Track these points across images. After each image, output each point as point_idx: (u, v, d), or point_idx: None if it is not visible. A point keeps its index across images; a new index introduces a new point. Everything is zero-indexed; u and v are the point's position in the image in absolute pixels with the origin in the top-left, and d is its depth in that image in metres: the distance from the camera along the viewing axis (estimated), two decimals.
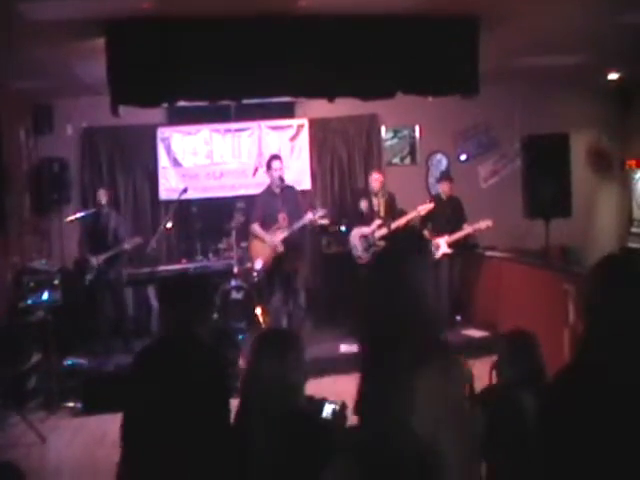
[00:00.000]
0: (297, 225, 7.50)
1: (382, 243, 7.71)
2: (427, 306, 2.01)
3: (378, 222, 7.72)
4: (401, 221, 7.79)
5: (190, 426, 2.77)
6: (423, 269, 2.06)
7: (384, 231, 7.71)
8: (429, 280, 2.04)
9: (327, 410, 2.97)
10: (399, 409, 1.89)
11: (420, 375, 1.87)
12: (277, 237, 7.44)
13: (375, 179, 7.97)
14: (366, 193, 8.10)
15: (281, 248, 7.44)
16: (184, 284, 3.28)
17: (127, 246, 7.66)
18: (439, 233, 8.01)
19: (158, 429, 2.81)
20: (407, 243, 2.21)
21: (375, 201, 7.90)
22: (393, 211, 7.90)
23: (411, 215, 7.81)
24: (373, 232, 7.74)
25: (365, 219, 7.88)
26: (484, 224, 7.82)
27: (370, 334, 2.06)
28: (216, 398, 2.84)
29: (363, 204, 7.98)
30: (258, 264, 7.53)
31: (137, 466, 2.84)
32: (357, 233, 7.88)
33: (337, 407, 2.92)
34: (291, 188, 7.79)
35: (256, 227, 7.57)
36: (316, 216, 7.55)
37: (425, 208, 7.79)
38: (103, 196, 7.94)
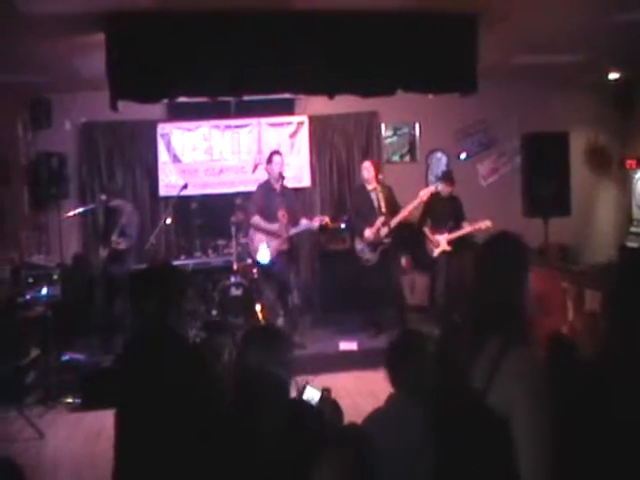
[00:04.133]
0: (298, 229, 7.56)
1: (388, 240, 7.60)
2: (519, 299, 2.25)
3: (381, 219, 7.61)
4: (403, 213, 7.66)
5: (176, 424, 2.73)
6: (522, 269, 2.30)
7: (387, 229, 7.58)
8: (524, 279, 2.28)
9: (309, 393, 2.94)
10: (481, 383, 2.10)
11: (504, 356, 2.08)
12: (284, 232, 7.42)
13: (366, 168, 7.75)
14: (364, 189, 7.86)
15: (287, 245, 7.46)
16: (148, 280, 3.12)
17: (122, 246, 7.57)
18: (439, 230, 7.99)
19: (146, 428, 2.77)
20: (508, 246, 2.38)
21: (374, 196, 7.73)
22: (394, 206, 7.74)
23: (414, 203, 7.67)
24: (378, 230, 7.61)
25: (368, 217, 7.71)
26: (484, 224, 7.77)
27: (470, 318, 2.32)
28: (197, 394, 2.77)
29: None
30: (264, 256, 7.50)
31: (130, 467, 2.81)
32: (361, 238, 7.71)
33: (319, 392, 2.89)
34: (290, 189, 7.81)
35: (258, 219, 7.52)
36: (318, 224, 7.57)
37: (426, 193, 7.66)
38: (116, 199, 7.87)
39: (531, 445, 1.98)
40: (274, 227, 7.45)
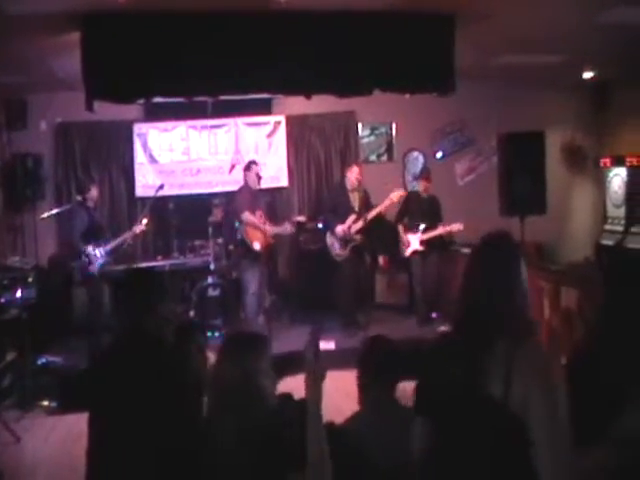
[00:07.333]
0: (275, 231, 7.77)
1: (359, 237, 7.75)
2: (519, 299, 2.18)
3: (353, 217, 7.74)
4: (376, 211, 7.78)
5: (153, 425, 2.71)
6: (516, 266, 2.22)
7: (360, 225, 7.71)
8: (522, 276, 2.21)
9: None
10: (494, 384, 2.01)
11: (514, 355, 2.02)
12: (269, 229, 7.66)
13: (356, 172, 7.88)
14: (343, 189, 8.01)
15: (272, 240, 7.73)
16: (128, 282, 3.19)
17: (137, 230, 7.59)
18: (414, 229, 8.03)
19: (121, 432, 2.75)
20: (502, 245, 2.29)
21: (352, 197, 7.87)
22: (368, 207, 7.84)
23: (385, 204, 7.79)
24: (349, 227, 7.74)
25: (344, 215, 7.84)
26: (455, 226, 7.92)
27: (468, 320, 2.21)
28: (175, 395, 2.76)
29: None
30: (257, 245, 7.57)
31: (104, 466, 2.79)
32: (332, 233, 7.87)
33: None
34: (262, 191, 8.02)
35: (249, 215, 7.61)
36: (289, 229, 7.89)
37: (397, 195, 7.79)
38: (95, 190, 7.76)
39: (551, 442, 1.93)
40: (264, 226, 7.70)
